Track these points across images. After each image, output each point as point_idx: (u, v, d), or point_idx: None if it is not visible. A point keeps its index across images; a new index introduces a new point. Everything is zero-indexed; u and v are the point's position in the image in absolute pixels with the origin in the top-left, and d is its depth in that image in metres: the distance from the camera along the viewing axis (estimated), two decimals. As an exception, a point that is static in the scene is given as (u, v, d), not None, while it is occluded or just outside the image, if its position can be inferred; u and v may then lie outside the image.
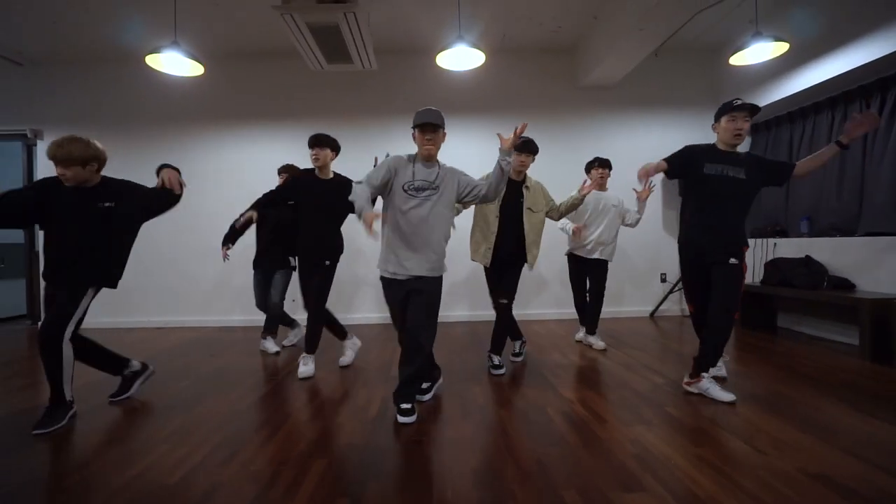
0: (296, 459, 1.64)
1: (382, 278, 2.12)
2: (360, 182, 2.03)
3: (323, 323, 2.83)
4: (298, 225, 2.77)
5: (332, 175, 2.79)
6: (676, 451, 1.67)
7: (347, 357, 2.95)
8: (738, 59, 3.38)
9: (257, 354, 3.31)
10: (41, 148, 4.57)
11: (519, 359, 2.95)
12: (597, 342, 3.29)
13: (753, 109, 2.23)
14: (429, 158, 2.05)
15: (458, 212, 2.73)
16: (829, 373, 2.59)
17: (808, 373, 2.59)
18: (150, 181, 4.49)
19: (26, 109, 4.56)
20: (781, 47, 3.20)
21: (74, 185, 2.07)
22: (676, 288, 4.51)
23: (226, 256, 3.16)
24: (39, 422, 1.97)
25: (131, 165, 4.64)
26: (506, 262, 2.71)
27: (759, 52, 3.26)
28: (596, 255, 3.27)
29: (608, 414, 2.03)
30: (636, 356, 3.03)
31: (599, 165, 3.32)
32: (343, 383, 2.57)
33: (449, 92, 4.51)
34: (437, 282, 2.09)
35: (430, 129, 1.99)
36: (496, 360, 2.76)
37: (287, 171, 3.33)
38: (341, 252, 2.84)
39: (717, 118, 2.35)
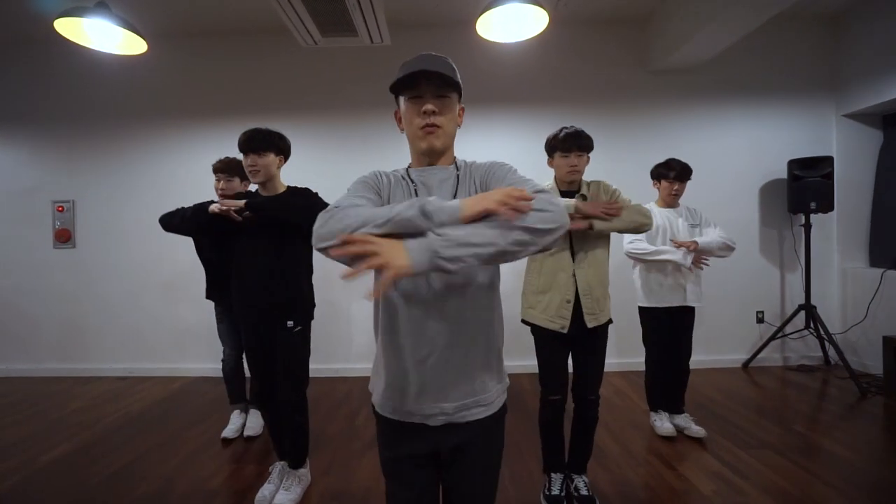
0: None
1: (382, 419, 0.97)
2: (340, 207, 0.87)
3: (306, 419, 1.86)
4: (234, 268, 1.81)
5: (283, 188, 1.82)
6: None
7: (293, 495, 1.79)
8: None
9: (230, 439, 2.38)
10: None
11: None
12: (691, 425, 2.33)
13: None
14: (431, 155, 0.96)
15: None
16: None
17: None
18: (111, 190, 3.45)
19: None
20: None
21: None
22: (780, 334, 3.42)
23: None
24: None
25: (85, 171, 3.70)
26: (589, 330, 1.67)
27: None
28: (678, 302, 2.28)
29: None
30: (774, 463, 1.99)
31: (677, 178, 2.30)
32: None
33: (488, 74, 3.44)
34: (496, 423, 0.96)
35: (430, 89, 0.92)
36: (583, 485, 1.76)
37: (225, 169, 2.29)
38: (313, 306, 1.91)
39: None
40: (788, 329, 3.41)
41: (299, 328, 1.77)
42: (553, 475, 1.78)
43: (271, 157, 1.73)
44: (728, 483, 1.90)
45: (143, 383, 3.42)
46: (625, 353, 3.45)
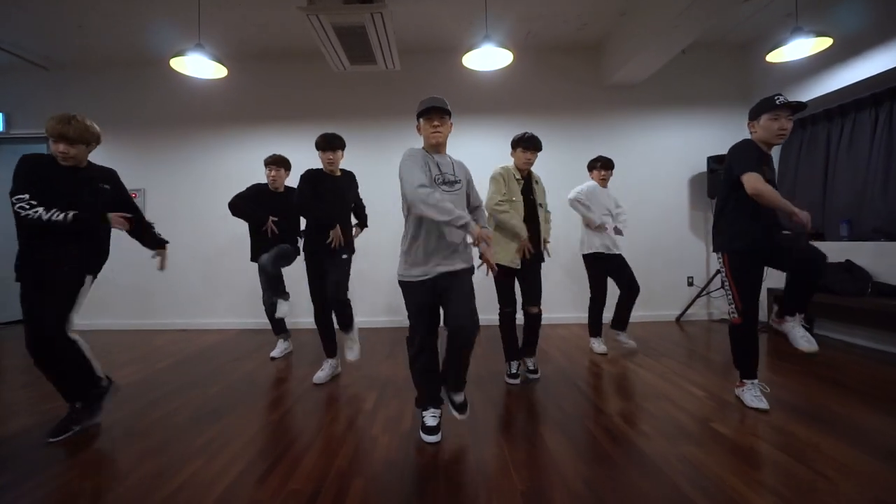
0: (334, 477, 1.60)
1: (407, 283, 1.87)
2: (421, 189, 1.70)
3: (351, 308, 2.73)
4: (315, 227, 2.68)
5: (339, 172, 2.75)
6: (731, 473, 1.58)
7: (354, 352, 2.78)
8: (775, 56, 3.25)
9: (280, 360, 3.29)
10: (66, 151, 4.59)
11: (536, 376, 2.71)
12: (629, 340, 3.26)
13: (798, 107, 2.07)
14: (437, 146, 1.89)
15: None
16: (879, 386, 2.47)
17: (857, 386, 2.48)
18: (176, 181, 4.45)
19: (51, 113, 4.57)
20: (823, 42, 3.06)
21: (71, 166, 1.99)
22: (704, 292, 4.39)
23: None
24: (75, 415, 1.97)
25: (155, 166, 4.69)
26: (529, 263, 2.59)
27: (798, 48, 3.13)
28: (616, 251, 3.21)
29: (652, 429, 1.95)
30: (669, 365, 2.93)
31: (603, 167, 3.29)
32: (373, 392, 2.52)
33: (473, 91, 4.43)
34: (470, 270, 1.93)
35: (437, 114, 1.84)
36: (532, 364, 2.70)
37: (277, 162, 3.20)
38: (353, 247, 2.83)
39: (756, 116, 2.16)
40: (712, 289, 4.36)
41: (347, 257, 2.68)
42: (511, 362, 2.70)
43: (340, 153, 2.65)
44: (629, 370, 2.84)
45: (202, 334, 4.32)
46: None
